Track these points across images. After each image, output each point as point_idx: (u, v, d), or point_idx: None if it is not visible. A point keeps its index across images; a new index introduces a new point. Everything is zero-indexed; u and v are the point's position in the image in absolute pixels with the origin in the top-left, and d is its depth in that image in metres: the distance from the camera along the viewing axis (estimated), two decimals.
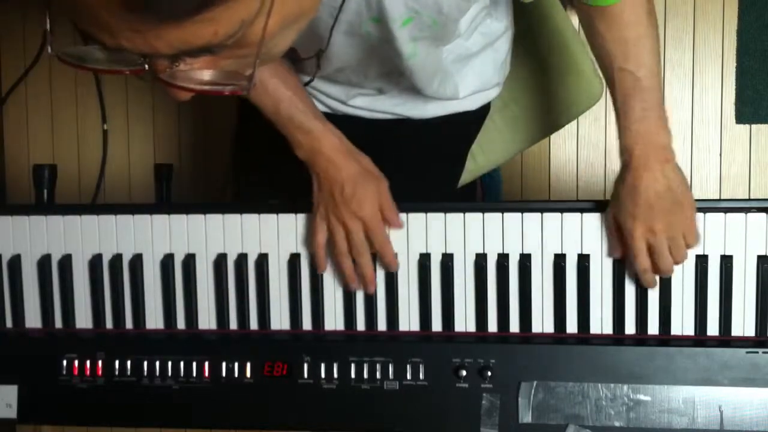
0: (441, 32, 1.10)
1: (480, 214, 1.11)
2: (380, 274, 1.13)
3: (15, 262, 1.19)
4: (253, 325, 1.16)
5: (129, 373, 1.16)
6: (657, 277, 1.08)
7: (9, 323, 1.21)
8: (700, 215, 1.08)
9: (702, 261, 1.08)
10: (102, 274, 1.18)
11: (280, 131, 1.11)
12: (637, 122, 1.04)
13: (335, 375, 1.12)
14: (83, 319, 1.19)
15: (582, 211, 1.10)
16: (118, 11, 0.56)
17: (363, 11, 0.99)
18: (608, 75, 1.06)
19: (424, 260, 1.12)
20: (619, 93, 1.05)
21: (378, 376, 1.11)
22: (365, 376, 1.12)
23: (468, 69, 1.24)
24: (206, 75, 0.64)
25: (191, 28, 0.57)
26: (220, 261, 1.16)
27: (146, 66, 0.61)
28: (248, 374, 1.14)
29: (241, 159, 1.41)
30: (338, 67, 1.16)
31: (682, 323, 1.09)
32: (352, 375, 1.12)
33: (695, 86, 2.00)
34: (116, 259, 1.18)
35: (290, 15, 0.63)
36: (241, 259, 1.15)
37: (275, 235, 1.15)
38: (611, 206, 1.08)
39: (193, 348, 1.15)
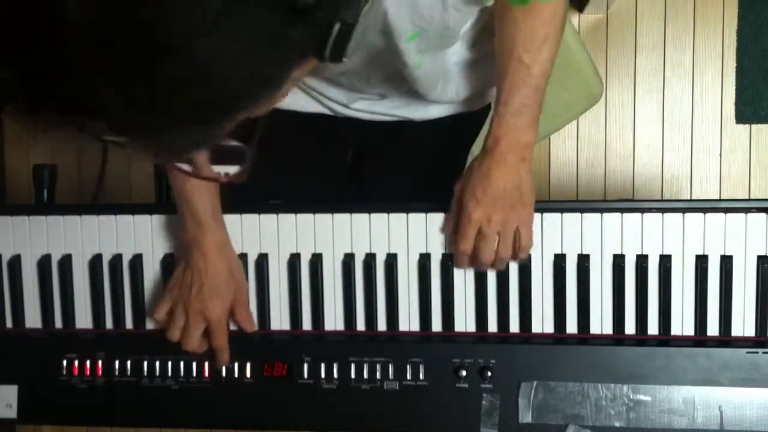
0: (447, 42, 1.10)
1: None
2: (380, 274, 1.13)
3: (15, 262, 1.19)
4: None
5: (129, 373, 1.16)
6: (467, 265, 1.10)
7: (9, 323, 1.21)
8: (700, 215, 1.08)
9: (702, 261, 1.08)
10: (102, 274, 1.18)
11: (176, 205, 1.13)
12: (513, 115, 1.05)
13: (335, 375, 1.12)
14: (83, 319, 1.19)
15: (582, 211, 1.10)
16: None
17: (368, 26, 0.99)
18: (504, 62, 1.06)
19: (424, 260, 1.12)
20: (507, 81, 1.05)
21: (378, 376, 1.11)
22: (365, 376, 1.12)
23: (470, 72, 1.24)
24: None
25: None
26: None
27: None
28: (248, 374, 1.14)
29: None
30: (341, 71, 1.16)
31: (682, 323, 1.09)
32: (352, 375, 1.12)
33: (695, 86, 2.00)
34: (116, 259, 1.18)
35: (286, 93, 0.65)
36: (241, 259, 1.15)
37: (275, 235, 1.15)
38: (460, 181, 1.09)
39: None
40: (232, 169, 0.69)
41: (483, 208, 1.05)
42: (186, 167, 0.68)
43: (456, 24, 1.05)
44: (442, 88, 1.21)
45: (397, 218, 1.13)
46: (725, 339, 1.09)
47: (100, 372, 1.16)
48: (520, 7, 1.02)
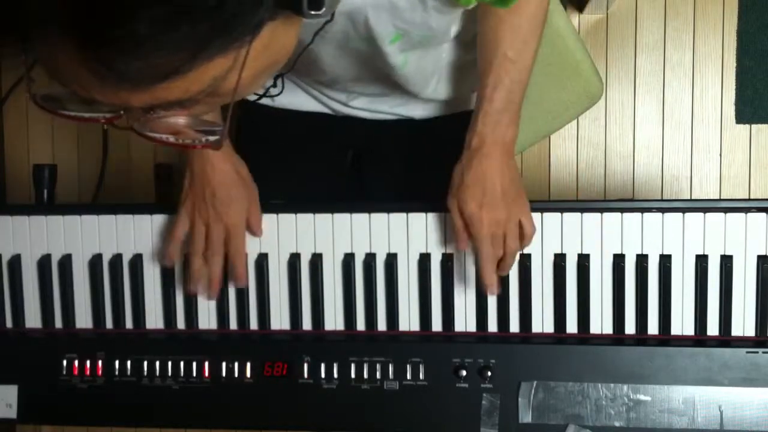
0: (432, 43, 1.10)
1: None
2: (380, 274, 1.13)
3: (15, 262, 1.19)
4: (253, 325, 1.16)
5: (129, 373, 1.16)
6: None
7: (9, 323, 1.21)
8: (700, 215, 1.08)
9: (702, 261, 1.08)
10: (102, 274, 1.18)
11: None
12: (498, 112, 1.05)
13: (335, 375, 1.12)
14: (83, 319, 1.19)
15: (582, 211, 1.10)
16: (89, 76, 0.56)
17: (350, 31, 0.99)
18: (488, 58, 1.05)
19: (424, 260, 1.12)
20: (491, 77, 1.05)
21: (378, 376, 1.11)
22: (365, 376, 1.12)
23: (467, 71, 1.24)
24: (180, 120, 0.66)
25: (163, 89, 0.58)
26: None
27: (122, 113, 0.63)
28: (248, 374, 1.14)
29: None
30: (332, 78, 1.16)
31: (682, 323, 1.09)
32: (352, 375, 1.12)
33: (695, 86, 2.00)
34: (116, 259, 1.18)
35: (263, 66, 0.63)
36: None
37: (275, 234, 1.15)
38: (453, 195, 1.06)
39: (193, 348, 1.15)
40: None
41: (489, 213, 1.05)
42: (161, 136, 0.66)
43: (440, 25, 1.04)
44: (436, 86, 1.21)
45: (397, 218, 1.13)
46: (725, 339, 1.09)
47: (100, 372, 1.16)
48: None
